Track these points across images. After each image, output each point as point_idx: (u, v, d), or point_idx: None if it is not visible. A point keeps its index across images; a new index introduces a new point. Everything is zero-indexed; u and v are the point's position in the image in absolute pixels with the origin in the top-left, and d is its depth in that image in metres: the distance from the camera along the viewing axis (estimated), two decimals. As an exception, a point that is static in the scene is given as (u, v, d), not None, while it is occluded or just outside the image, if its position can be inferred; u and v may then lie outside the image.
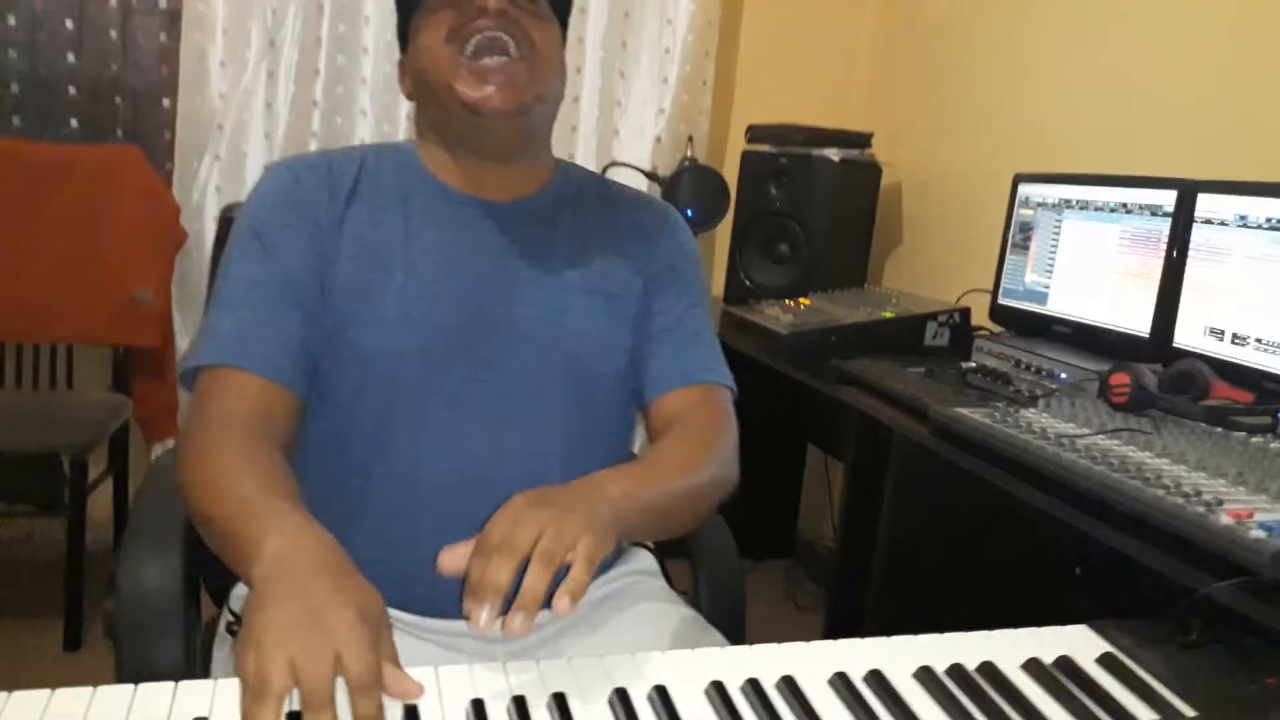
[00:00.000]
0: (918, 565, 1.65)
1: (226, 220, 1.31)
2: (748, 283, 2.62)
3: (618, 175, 2.66)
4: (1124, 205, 1.72)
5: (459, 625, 1.00)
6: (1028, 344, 1.81)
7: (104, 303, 2.38)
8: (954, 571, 1.70)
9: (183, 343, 2.62)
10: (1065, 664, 0.82)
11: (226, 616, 1.06)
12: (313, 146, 2.64)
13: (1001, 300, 2.03)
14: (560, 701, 0.71)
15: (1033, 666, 0.81)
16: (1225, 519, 0.96)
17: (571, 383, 1.05)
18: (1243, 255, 1.47)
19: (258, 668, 0.63)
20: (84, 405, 2.36)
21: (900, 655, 0.81)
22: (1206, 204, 1.54)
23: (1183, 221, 1.59)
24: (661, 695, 0.73)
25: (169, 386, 2.54)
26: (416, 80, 1.06)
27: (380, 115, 2.69)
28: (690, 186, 2.31)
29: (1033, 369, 1.66)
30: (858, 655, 0.81)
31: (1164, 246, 1.63)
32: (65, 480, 2.14)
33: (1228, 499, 1.01)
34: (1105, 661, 0.83)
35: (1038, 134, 2.25)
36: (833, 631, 1.91)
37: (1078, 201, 1.84)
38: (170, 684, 0.71)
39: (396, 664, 0.69)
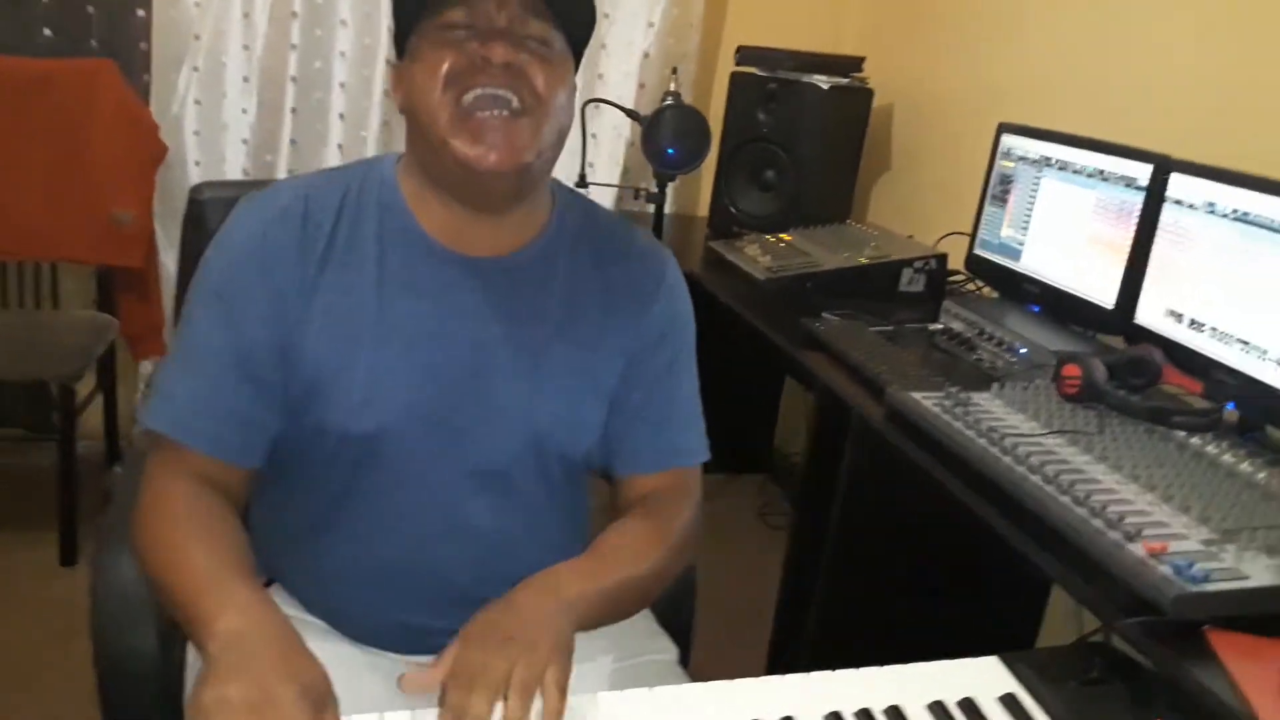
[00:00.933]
0: (869, 547, 1.73)
1: (195, 203, 1.31)
2: (733, 209, 2.61)
3: (599, 113, 2.63)
4: (1101, 172, 1.71)
5: (415, 660, 1.05)
6: (995, 309, 1.83)
7: (84, 221, 2.38)
8: (903, 556, 1.79)
9: (167, 258, 2.64)
10: (968, 705, 0.88)
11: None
12: (292, 61, 2.59)
13: (977, 250, 2.04)
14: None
15: (937, 709, 0.88)
16: (1139, 552, 1.01)
17: (539, 461, 1.04)
18: (1208, 242, 1.48)
19: None
20: (70, 328, 2.39)
21: (815, 695, 0.87)
22: (1179, 184, 1.54)
23: (1155, 198, 1.59)
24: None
25: (154, 304, 2.57)
26: (408, 112, 0.98)
27: (361, 27, 2.62)
28: (672, 125, 2.28)
29: (995, 340, 1.68)
30: (773, 695, 0.87)
31: (1135, 221, 1.63)
32: (54, 405, 2.19)
33: (1148, 526, 1.06)
34: (1006, 701, 0.89)
35: (1028, 82, 2.21)
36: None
37: (1057, 161, 1.82)
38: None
39: None
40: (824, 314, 1.89)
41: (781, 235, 2.34)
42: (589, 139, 2.61)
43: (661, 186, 2.42)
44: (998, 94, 2.29)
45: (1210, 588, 0.96)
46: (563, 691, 0.81)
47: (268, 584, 1.08)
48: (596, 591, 0.94)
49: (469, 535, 1.03)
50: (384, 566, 1.04)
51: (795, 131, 2.52)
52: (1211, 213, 1.47)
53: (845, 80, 2.53)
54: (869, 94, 2.58)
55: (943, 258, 2.14)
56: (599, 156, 2.81)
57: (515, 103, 0.93)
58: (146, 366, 2.65)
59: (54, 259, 2.47)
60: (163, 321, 2.63)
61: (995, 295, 2.04)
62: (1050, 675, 0.93)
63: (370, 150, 2.75)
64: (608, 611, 0.98)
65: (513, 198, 0.99)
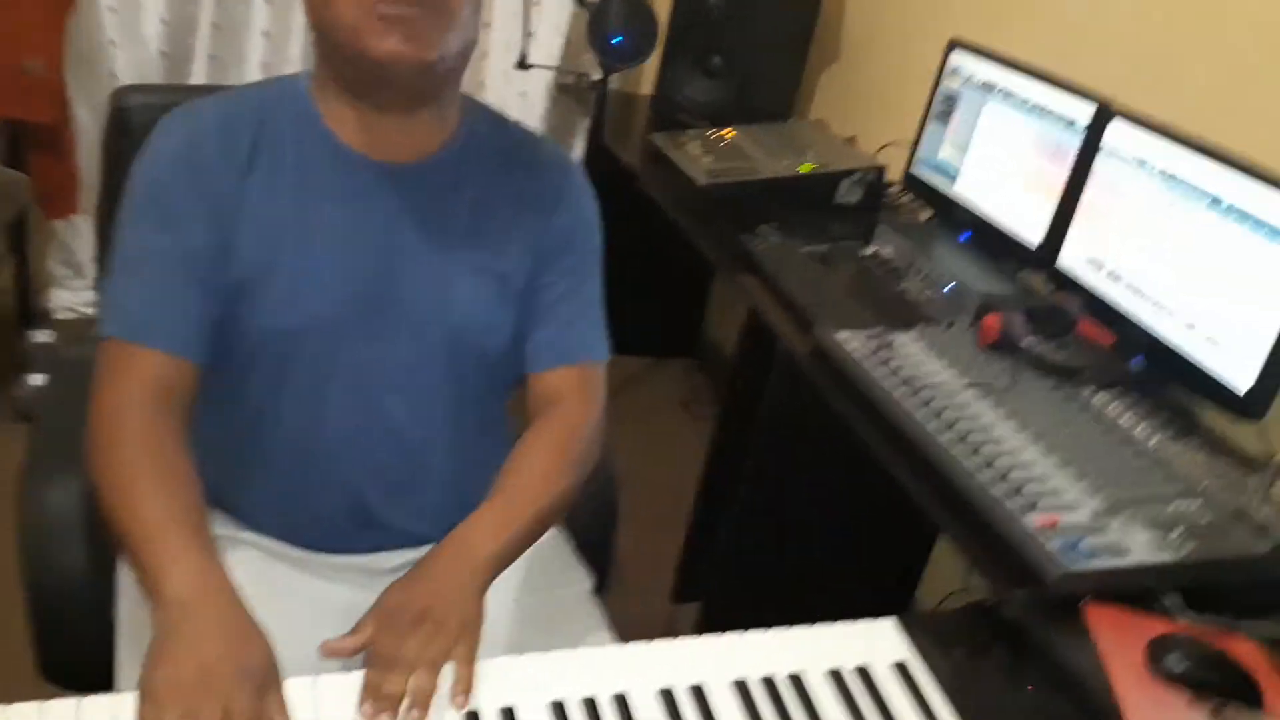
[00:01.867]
0: (783, 473, 1.80)
1: (119, 110, 1.25)
2: (677, 95, 2.56)
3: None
4: (1043, 108, 1.72)
5: (340, 559, 1.12)
6: (926, 235, 1.87)
7: (-9, 69, 2.24)
8: (813, 486, 1.87)
9: (81, 112, 2.51)
10: (863, 674, 0.96)
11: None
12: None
13: (914, 169, 2.05)
14: None
15: (835, 677, 0.95)
16: (1032, 524, 1.08)
17: (453, 359, 1.09)
18: (1134, 197, 1.51)
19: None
20: (-20, 187, 2.28)
21: (722, 661, 0.94)
22: (1116, 132, 1.56)
23: (1092, 143, 1.60)
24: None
25: (67, 161, 2.46)
26: (316, 24, 0.99)
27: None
28: (619, 13, 2.19)
29: (923, 274, 1.72)
30: (684, 661, 0.93)
31: (1071, 163, 1.65)
32: (-35, 271, 2.12)
33: (1044, 495, 1.13)
34: (899, 669, 0.97)
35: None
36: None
37: (1002, 89, 1.82)
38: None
39: (284, 713, 0.80)
40: (760, 227, 1.90)
41: (724, 131, 2.31)
42: (532, 8, 2.51)
43: (606, 75, 2.35)
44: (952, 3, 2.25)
45: (1093, 565, 1.04)
46: (472, 661, 0.87)
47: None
48: (505, 544, 0.99)
49: (392, 432, 1.09)
50: (316, 461, 1.09)
51: (746, 15, 2.46)
52: (1141, 167, 1.49)
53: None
54: (822, -18, 2.51)
55: (881, 170, 2.14)
56: (541, 25, 2.70)
57: (420, 7, 0.94)
58: (60, 226, 2.56)
59: (-43, 109, 2.33)
60: (76, 180, 2.53)
61: (928, 214, 2.07)
62: (942, 640, 1.01)
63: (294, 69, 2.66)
64: (521, 551, 1.03)
65: (419, 96, 1.03)
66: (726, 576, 1.98)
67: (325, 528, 1.11)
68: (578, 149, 2.98)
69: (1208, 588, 1.07)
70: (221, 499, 1.11)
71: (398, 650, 0.86)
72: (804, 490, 1.88)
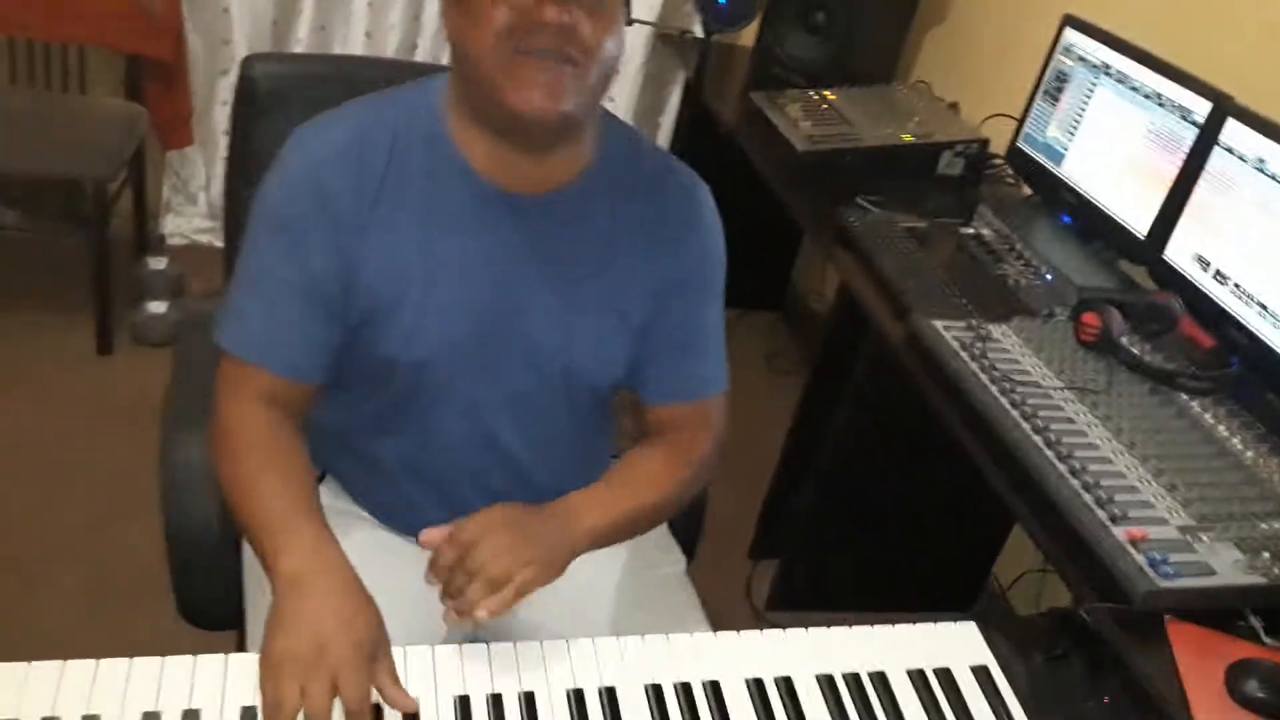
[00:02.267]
0: (867, 453, 1.82)
1: (245, 79, 1.30)
2: (778, 50, 2.53)
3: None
4: (1159, 96, 1.68)
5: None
6: (1028, 215, 1.85)
7: (113, 5, 2.31)
8: (896, 469, 1.90)
9: (196, 43, 2.58)
10: (944, 675, 1.00)
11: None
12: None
13: (1020, 144, 2.01)
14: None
15: (916, 677, 0.99)
16: (1121, 537, 1.10)
17: (569, 391, 1.11)
18: (1249, 197, 1.48)
19: (274, 691, 0.82)
20: (103, 121, 2.37)
21: (808, 655, 0.99)
22: (1234, 130, 1.52)
23: (1208, 138, 1.57)
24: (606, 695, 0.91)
25: (183, 94, 2.54)
26: (456, 46, 0.98)
27: None
28: (727, -25, 2.18)
29: (1023, 259, 1.71)
30: (773, 652, 0.98)
31: (1184, 155, 1.62)
32: (88, 201, 2.21)
33: (1134, 507, 1.14)
34: (979, 673, 1.01)
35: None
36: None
37: (1117, 72, 1.78)
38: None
39: (395, 680, 0.86)
40: (858, 199, 1.90)
41: (825, 93, 2.29)
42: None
43: (708, 35, 2.34)
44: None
45: (1178, 584, 1.05)
46: (520, 595, 0.93)
47: (321, 477, 1.18)
48: (608, 523, 1.05)
49: (501, 451, 1.13)
50: (425, 472, 1.13)
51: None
52: (1260, 170, 1.46)
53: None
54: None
55: (984, 143, 2.11)
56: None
57: (562, 56, 0.93)
58: (174, 157, 2.65)
59: (82, 41, 2.41)
60: (190, 112, 2.62)
61: (1030, 194, 2.04)
62: (1021, 646, 1.05)
63: (396, 38, 2.73)
64: (617, 537, 1.09)
65: (555, 140, 1.01)
66: (805, 539, 2.03)
67: (429, 524, 1.16)
68: (674, 100, 2.97)
69: (1293, 612, 1.09)
70: (335, 472, 1.18)
71: (472, 551, 0.92)
72: (886, 464, 1.91)
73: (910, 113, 2.20)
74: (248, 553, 1.17)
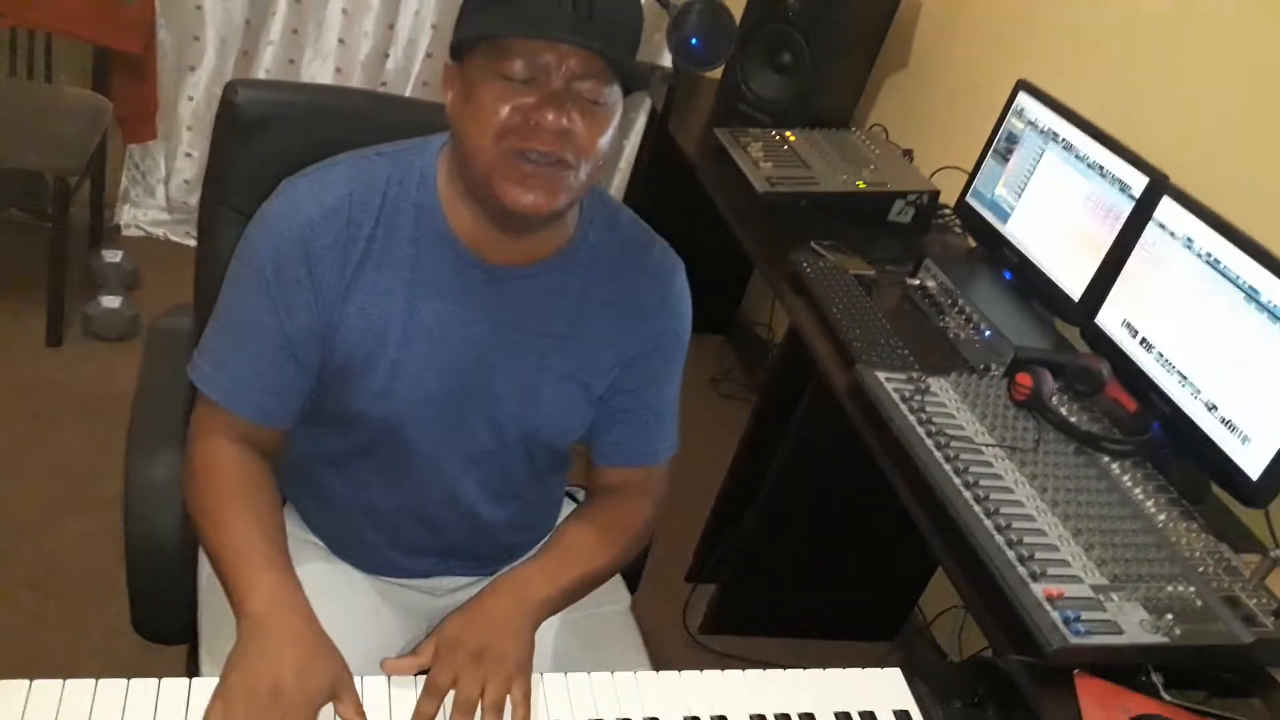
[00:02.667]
0: (804, 489, 1.90)
1: (229, 105, 1.31)
2: (744, 87, 2.60)
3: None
4: (1101, 168, 1.77)
5: (394, 581, 1.23)
6: (971, 269, 1.94)
7: (86, -5, 2.31)
8: (831, 505, 1.97)
9: (165, 37, 2.58)
10: (867, 719, 1.06)
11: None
12: None
13: (969, 199, 2.11)
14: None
15: (842, 719, 1.05)
16: (1038, 594, 1.18)
17: (528, 450, 1.16)
18: (1177, 272, 1.57)
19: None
20: (68, 112, 2.36)
21: (743, 695, 1.04)
22: (1167, 208, 1.61)
23: (1143, 213, 1.66)
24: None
25: (150, 89, 2.54)
26: (455, 126, 1.00)
27: None
28: (699, 22, 2.23)
29: (964, 313, 1.79)
30: (710, 692, 1.04)
31: (1120, 226, 1.71)
32: (49, 192, 2.21)
33: (1052, 565, 1.22)
34: (900, 718, 1.07)
35: (1060, 42, 2.17)
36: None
37: (1064, 140, 1.87)
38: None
39: (358, 714, 0.91)
40: (812, 243, 1.97)
41: (787, 134, 2.37)
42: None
43: (678, 72, 2.40)
44: (1028, 35, 2.27)
45: (1089, 641, 1.13)
46: (527, 704, 0.97)
47: (283, 503, 1.21)
48: (558, 591, 1.09)
49: (459, 502, 1.17)
50: (384, 515, 1.18)
51: (820, 15, 2.49)
52: (1188, 248, 1.55)
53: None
54: (899, -9, 2.54)
55: (935, 194, 2.20)
56: None
57: (559, 159, 0.96)
58: (135, 151, 2.64)
59: (52, 30, 2.40)
60: (156, 106, 2.61)
61: (975, 245, 2.13)
62: (942, 692, 1.11)
63: (368, 45, 2.78)
64: (566, 604, 1.13)
65: (542, 227, 1.06)
66: (742, 566, 2.10)
67: (382, 561, 1.20)
68: (639, 123, 3.03)
69: (1191, 670, 1.17)
70: (293, 500, 1.22)
71: (460, 685, 0.95)
72: (824, 500, 1.99)
73: (866, 160, 2.28)
74: (203, 573, 1.19)
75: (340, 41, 2.76)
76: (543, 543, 1.19)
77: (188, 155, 2.76)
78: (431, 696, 0.94)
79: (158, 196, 2.84)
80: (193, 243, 2.81)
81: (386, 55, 2.83)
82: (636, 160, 3.02)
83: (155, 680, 0.88)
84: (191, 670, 1.18)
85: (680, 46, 2.29)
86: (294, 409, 1.08)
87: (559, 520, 1.31)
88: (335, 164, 1.06)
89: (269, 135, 1.27)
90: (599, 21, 0.93)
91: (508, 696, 0.96)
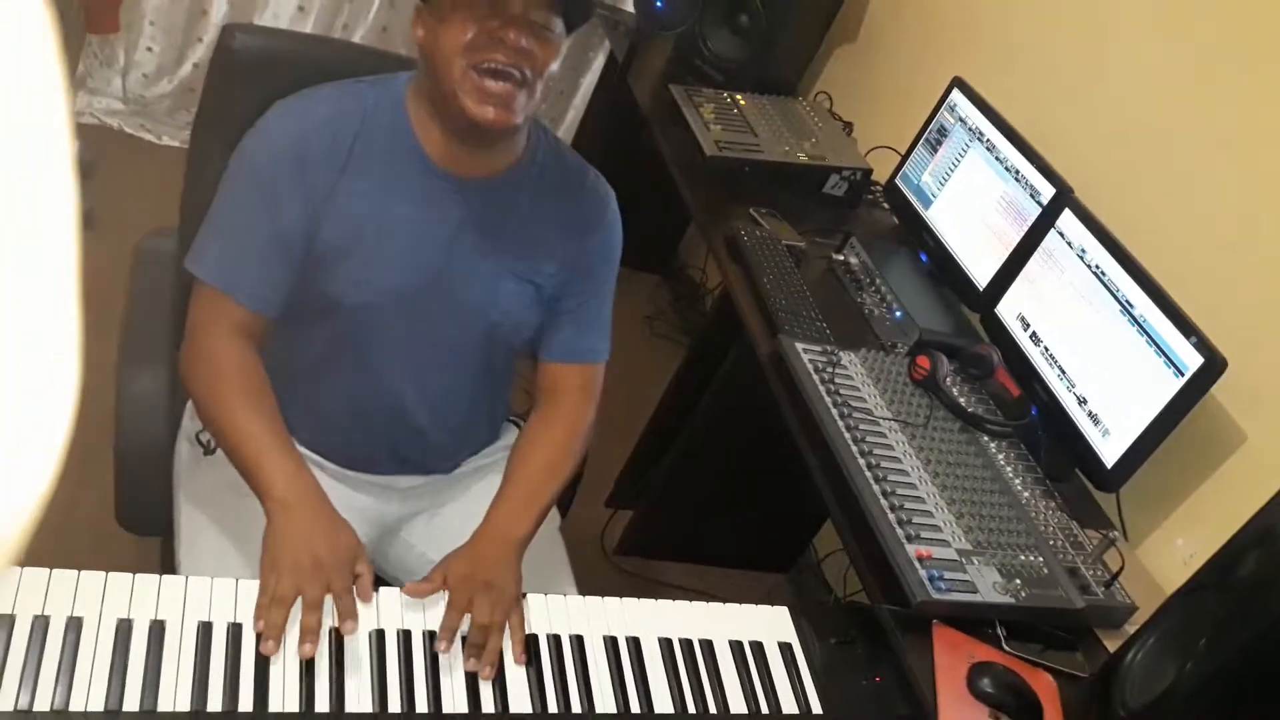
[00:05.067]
0: (722, 439, 2.08)
1: (226, 49, 1.40)
2: (701, 44, 2.71)
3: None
4: (1017, 172, 1.95)
5: (365, 477, 1.39)
6: (892, 249, 2.11)
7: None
8: (745, 454, 2.16)
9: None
10: (756, 649, 1.26)
11: (194, 426, 1.36)
12: None
13: (898, 181, 2.27)
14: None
15: (735, 647, 1.25)
16: (910, 553, 1.38)
17: (487, 346, 1.34)
18: (1069, 278, 1.77)
19: (278, 587, 1.04)
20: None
21: (653, 621, 1.23)
22: (1067, 219, 1.80)
23: (1047, 219, 1.85)
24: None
25: (115, -19, 2.53)
26: (426, 55, 1.18)
27: None
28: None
29: (881, 293, 1.97)
30: (626, 616, 1.22)
31: (1025, 229, 1.90)
32: None
33: (926, 529, 1.43)
34: (784, 649, 1.27)
35: (1003, 43, 2.33)
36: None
37: (989, 141, 2.04)
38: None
39: (368, 583, 1.10)
40: (751, 210, 2.12)
41: (738, 97, 2.50)
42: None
43: (639, 30, 2.50)
44: (969, 33, 2.42)
45: (948, 597, 1.34)
46: (523, 627, 1.16)
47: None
48: (533, 522, 1.28)
49: (427, 391, 1.34)
50: (360, 408, 1.34)
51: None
52: (1081, 258, 1.75)
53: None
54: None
55: (868, 172, 2.36)
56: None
57: (518, 75, 1.15)
58: (93, 41, 2.64)
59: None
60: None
61: (897, 223, 2.30)
62: (820, 630, 1.32)
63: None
64: (538, 528, 1.31)
65: (499, 141, 1.24)
66: (659, 496, 2.29)
67: (357, 455, 1.37)
68: (596, 63, 3.11)
69: (1031, 626, 1.39)
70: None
71: (467, 605, 1.13)
72: (740, 444, 2.18)
73: (809, 132, 2.43)
74: (179, 470, 1.33)
75: (300, 9, 2.78)
76: (507, 469, 1.35)
77: (149, 50, 2.77)
78: (457, 613, 1.13)
79: (114, 87, 2.85)
80: (149, 136, 2.88)
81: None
82: (591, 100, 3.11)
83: (156, 576, 1.02)
84: (166, 556, 1.32)
85: (645, 7, 2.40)
86: (281, 299, 1.23)
87: (502, 438, 1.50)
88: (321, 89, 1.24)
89: (261, 78, 1.37)
90: None
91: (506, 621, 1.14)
